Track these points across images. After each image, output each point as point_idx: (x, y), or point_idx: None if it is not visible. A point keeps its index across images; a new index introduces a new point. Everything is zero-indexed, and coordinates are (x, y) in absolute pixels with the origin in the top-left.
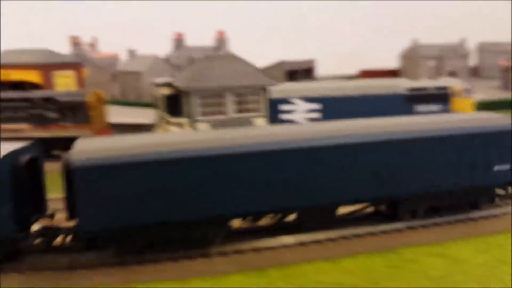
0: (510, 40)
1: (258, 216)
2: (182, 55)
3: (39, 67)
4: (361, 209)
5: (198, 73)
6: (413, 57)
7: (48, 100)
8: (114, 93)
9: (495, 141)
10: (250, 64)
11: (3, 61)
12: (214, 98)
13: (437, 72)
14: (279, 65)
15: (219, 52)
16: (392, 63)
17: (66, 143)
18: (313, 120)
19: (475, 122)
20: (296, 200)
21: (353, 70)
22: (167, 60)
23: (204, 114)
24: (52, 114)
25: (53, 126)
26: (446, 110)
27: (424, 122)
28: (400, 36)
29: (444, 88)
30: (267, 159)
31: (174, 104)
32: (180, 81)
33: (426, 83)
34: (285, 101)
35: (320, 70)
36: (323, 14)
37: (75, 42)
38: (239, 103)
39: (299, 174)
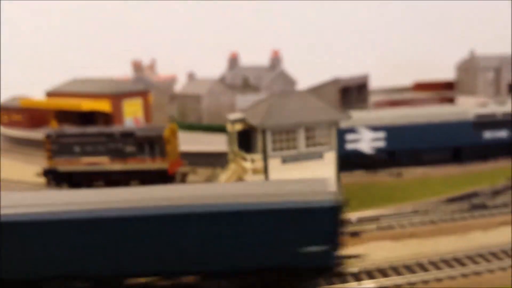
0: None
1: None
2: (237, 75)
3: (109, 96)
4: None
5: (271, 110)
6: (470, 68)
7: (127, 135)
8: (172, 114)
9: (304, 218)
10: (320, 100)
11: (71, 90)
12: (286, 134)
13: (496, 84)
14: (333, 82)
15: (274, 72)
16: (448, 74)
17: (143, 175)
18: (378, 148)
19: (283, 195)
20: (82, 269)
21: (408, 81)
22: (222, 80)
23: (277, 149)
24: (130, 148)
25: (131, 159)
26: None
27: (223, 194)
28: (457, 46)
29: None
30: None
31: (247, 139)
32: (254, 118)
33: (495, 108)
34: (351, 130)
35: (373, 81)
36: (376, 23)
37: (137, 66)
38: (310, 138)
39: (80, 244)
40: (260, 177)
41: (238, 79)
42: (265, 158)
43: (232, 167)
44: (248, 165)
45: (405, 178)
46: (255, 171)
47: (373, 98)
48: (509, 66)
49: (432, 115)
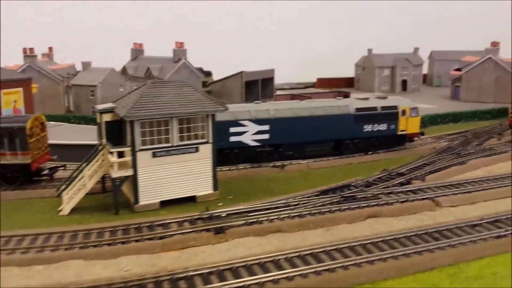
0: (461, 49)
1: None
2: (140, 66)
3: None
4: None
5: (141, 99)
6: (368, 66)
7: None
8: (67, 105)
9: None
10: (198, 90)
11: None
12: (158, 126)
13: (391, 81)
14: (239, 75)
15: (177, 65)
16: (350, 71)
17: (3, 170)
18: (262, 141)
19: None
20: None
21: (313, 77)
22: (124, 71)
23: (147, 142)
24: None
25: None
26: (394, 129)
27: None
28: (359, 45)
29: (392, 107)
30: None
31: (117, 131)
32: (122, 108)
33: (376, 102)
34: (236, 123)
35: (281, 77)
36: (283, 22)
37: (29, 54)
38: (185, 130)
39: None
40: (128, 172)
41: (141, 70)
42: (133, 152)
43: (98, 161)
44: (113, 159)
45: (288, 170)
46: (122, 166)
47: (279, 93)
48: (402, 64)
49: (314, 108)
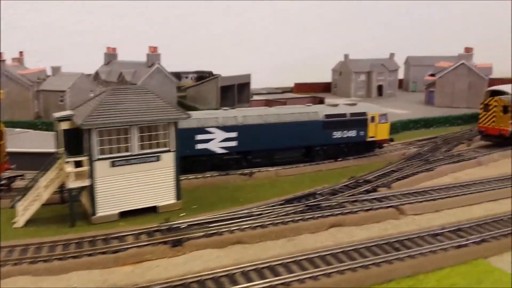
0: (436, 54)
1: None
2: (113, 71)
3: None
4: None
5: (100, 107)
6: (344, 71)
7: None
8: (37, 111)
9: None
10: (160, 97)
11: None
12: (117, 134)
13: (367, 86)
14: (214, 80)
15: (151, 69)
16: (329, 76)
17: None
18: (230, 148)
19: None
20: None
21: (294, 82)
22: (96, 76)
23: (106, 151)
24: None
25: None
26: (363, 136)
27: None
28: (338, 50)
29: (361, 114)
30: None
31: (75, 140)
32: (79, 116)
33: (344, 109)
34: (202, 130)
35: (262, 80)
36: (263, 26)
37: None
38: (146, 138)
39: None
40: (85, 182)
41: (114, 75)
42: (90, 161)
43: (54, 171)
44: (69, 169)
45: (256, 178)
46: (79, 176)
47: (256, 97)
48: (378, 69)
49: (283, 115)
